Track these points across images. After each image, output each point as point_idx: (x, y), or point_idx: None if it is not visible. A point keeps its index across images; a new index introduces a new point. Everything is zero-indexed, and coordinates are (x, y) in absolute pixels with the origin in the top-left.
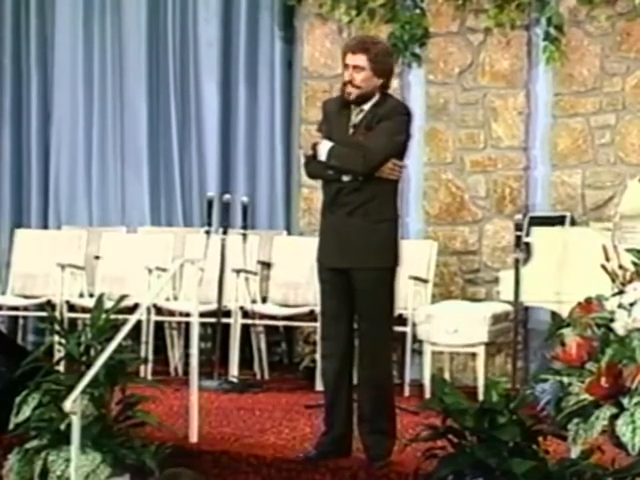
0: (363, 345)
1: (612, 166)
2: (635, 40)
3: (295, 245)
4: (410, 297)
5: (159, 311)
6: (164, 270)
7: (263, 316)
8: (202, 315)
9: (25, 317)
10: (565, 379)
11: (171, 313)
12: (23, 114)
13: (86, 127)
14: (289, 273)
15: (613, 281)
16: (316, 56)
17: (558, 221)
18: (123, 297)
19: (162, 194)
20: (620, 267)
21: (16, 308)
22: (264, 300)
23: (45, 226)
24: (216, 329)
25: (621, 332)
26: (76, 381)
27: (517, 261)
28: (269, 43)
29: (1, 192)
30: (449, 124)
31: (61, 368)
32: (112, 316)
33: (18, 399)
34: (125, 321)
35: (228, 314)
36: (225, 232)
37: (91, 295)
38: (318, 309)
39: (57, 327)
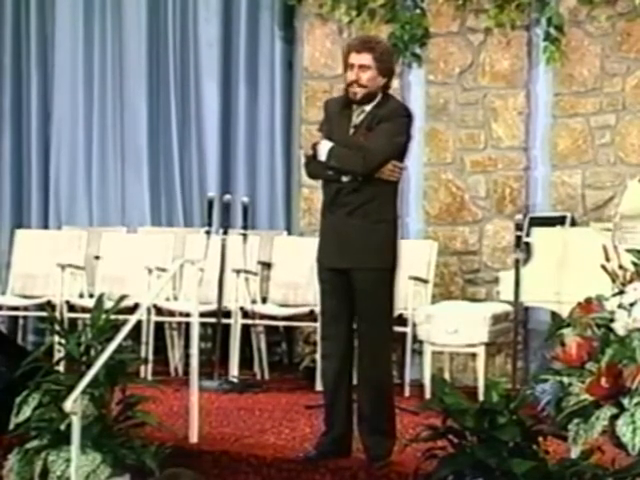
0: (363, 345)
1: (612, 166)
2: (635, 40)
3: (295, 245)
4: (410, 297)
5: (159, 311)
6: (164, 270)
7: (263, 316)
8: (202, 315)
9: (25, 317)
10: (565, 379)
11: (171, 313)
12: (23, 114)
13: (86, 127)
14: (289, 273)
15: (613, 281)
16: (316, 56)
17: (558, 221)
18: (123, 297)
19: (162, 194)
20: (620, 267)
21: (16, 308)
22: (264, 300)
23: (45, 226)
24: (216, 329)
25: (621, 332)
26: (76, 381)
27: (517, 261)
28: (269, 43)
29: (1, 192)
30: (449, 124)
31: (61, 368)
32: (112, 316)
33: (18, 399)
34: (125, 321)
35: (228, 314)
36: (225, 232)
37: (91, 295)
38: (318, 309)
39: (57, 327)
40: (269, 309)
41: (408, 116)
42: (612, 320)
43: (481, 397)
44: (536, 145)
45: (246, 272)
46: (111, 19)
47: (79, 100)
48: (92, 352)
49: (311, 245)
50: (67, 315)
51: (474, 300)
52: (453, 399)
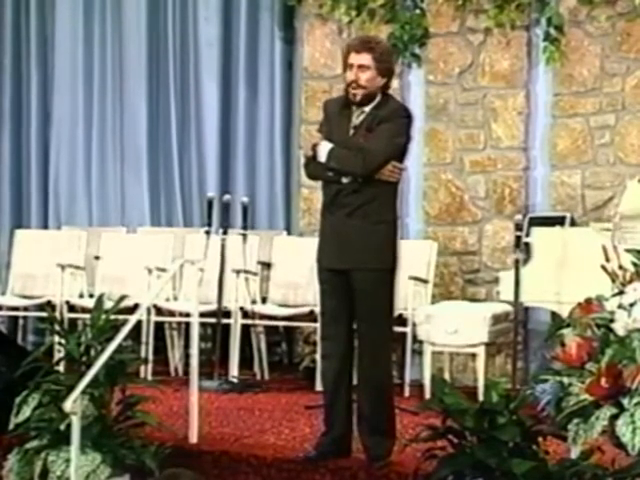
0: (363, 346)
1: (612, 166)
2: (635, 40)
3: (295, 245)
4: (410, 297)
5: (159, 311)
6: (164, 270)
7: (263, 316)
8: (202, 315)
9: (25, 317)
10: (565, 379)
11: (171, 313)
12: (23, 114)
13: (86, 127)
14: (289, 273)
15: (613, 281)
16: (316, 56)
17: (558, 221)
18: (123, 297)
19: (162, 194)
20: (620, 267)
21: (16, 308)
22: (264, 300)
23: (45, 226)
24: (216, 329)
25: (621, 332)
26: (76, 381)
27: (517, 261)
28: (269, 43)
29: (1, 192)
30: (449, 124)
31: (61, 368)
32: (112, 316)
33: (18, 399)
34: (125, 321)
35: (228, 314)
36: (225, 232)
37: (91, 295)
38: (318, 309)
39: (57, 327)
40: (269, 309)
41: (408, 117)
42: (612, 320)
43: (481, 397)
44: (536, 145)
45: (246, 272)
46: (111, 19)
47: (79, 100)
48: (92, 352)
49: (311, 245)
50: (67, 315)
51: (474, 300)
52: (453, 399)
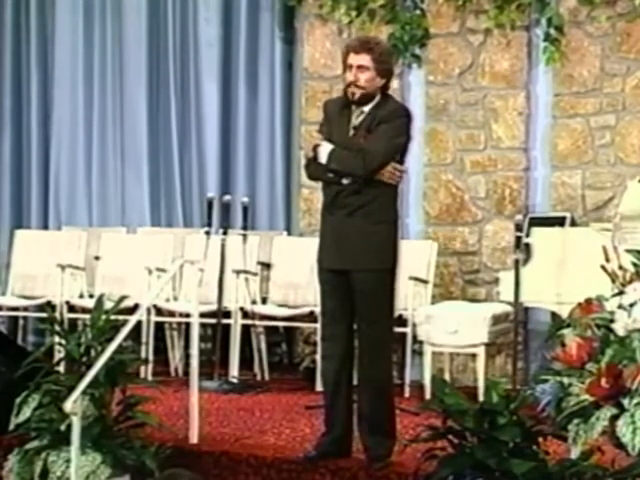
0: (363, 346)
1: (612, 167)
2: (635, 41)
3: (295, 246)
4: (410, 298)
5: (159, 312)
6: (164, 271)
7: (263, 317)
8: (202, 316)
9: (25, 318)
10: (565, 380)
11: (171, 314)
12: (23, 114)
13: (86, 127)
14: (289, 274)
15: (613, 282)
16: (316, 57)
17: (558, 222)
18: (123, 298)
19: (162, 194)
20: (620, 268)
21: (16, 309)
22: (264, 301)
23: (45, 227)
24: (216, 330)
25: (621, 333)
26: (76, 382)
27: (517, 262)
28: (269, 44)
29: (1, 193)
30: (449, 125)
31: (61, 369)
32: (112, 317)
33: (18, 400)
34: (125, 322)
35: (228, 315)
36: (225, 233)
37: (91, 296)
38: (318, 310)
39: (57, 328)
40: (269, 309)
41: (407, 116)
42: (612, 320)
43: (481, 397)
44: (536, 146)
45: (246, 272)
46: (111, 19)
47: (79, 100)
48: (92, 353)
49: (311, 245)
50: (67, 315)
51: (474, 300)
52: (453, 399)
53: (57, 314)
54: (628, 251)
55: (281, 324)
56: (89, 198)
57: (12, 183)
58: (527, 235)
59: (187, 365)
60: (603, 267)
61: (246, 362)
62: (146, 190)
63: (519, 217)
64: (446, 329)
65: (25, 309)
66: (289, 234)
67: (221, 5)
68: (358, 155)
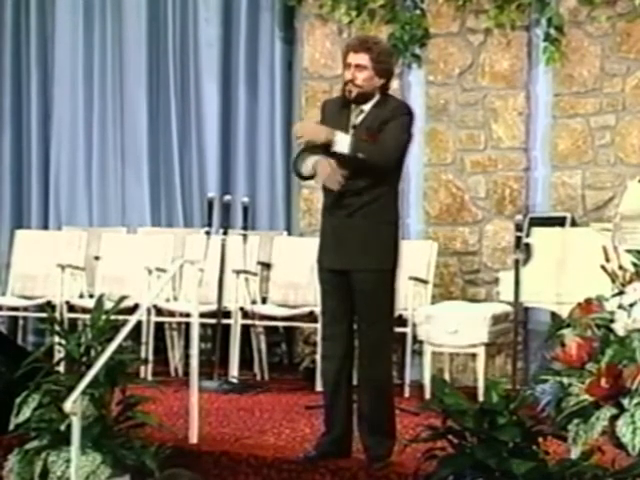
0: (363, 346)
1: (612, 167)
2: (635, 41)
3: (295, 246)
4: (410, 298)
5: (159, 312)
6: (164, 271)
7: (263, 317)
8: (202, 316)
9: (25, 318)
10: (565, 380)
11: (171, 314)
12: (23, 114)
13: (86, 127)
14: (289, 274)
15: (613, 282)
16: (316, 57)
17: (558, 222)
18: (123, 298)
19: (162, 195)
20: (620, 268)
21: (16, 309)
22: (264, 301)
23: (45, 227)
24: (216, 330)
25: (621, 333)
26: (76, 382)
27: (517, 262)
28: (269, 44)
29: (1, 193)
30: (449, 125)
31: (61, 369)
32: (112, 317)
33: (18, 400)
34: (125, 322)
35: (228, 315)
36: (225, 233)
37: (91, 296)
38: (318, 310)
39: (57, 328)
40: (269, 309)
41: (410, 114)
42: (612, 321)
43: (481, 397)
44: (536, 146)
45: (246, 272)
46: (111, 19)
47: (79, 100)
48: (92, 353)
49: (311, 245)
50: (67, 315)
51: (474, 300)
52: (453, 399)
53: (57, 314)
54: (628, 251)
55: (281, 324)
56: (89, 198)
57: (12, 183)
58: (527, 235)
59: (187, 365)
60: (603, 267)
61: (246, 362)
62: (146, 190)
63: (519, 217)
64: (446, 329)
65: (25, 309)
66: (289, 234)
67: (221, 5)
68: (380, 148)
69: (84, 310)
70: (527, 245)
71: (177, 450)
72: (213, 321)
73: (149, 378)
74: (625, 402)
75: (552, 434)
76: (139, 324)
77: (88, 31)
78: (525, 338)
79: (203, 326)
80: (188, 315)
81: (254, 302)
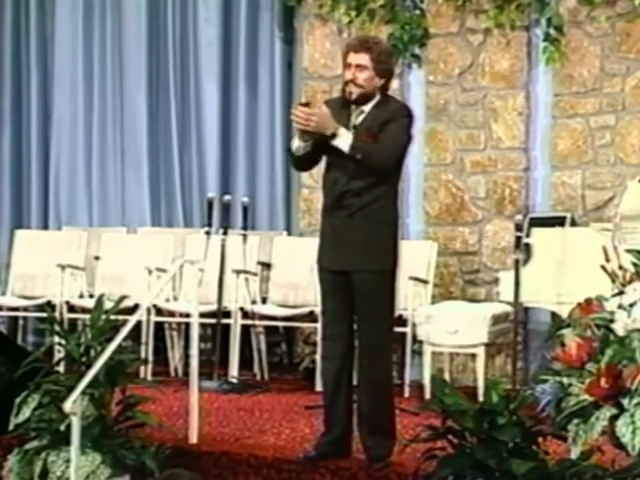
0: (363, 346)
1: (612, 167)
2: (635, 41)
3: (295, 246)
4: (410, 298)
5: (159, 312)
6: (164, 271)
7: (263, 317)
8: (202, 316)
9: (25, 318)
10: (565, 380)
11: (171, 314)
12: (23, 114)
13: (86, 127)
14: (289, 274)
15: (613, 282)
16: (316, 57)
17: (558, 222)
18: (123, 298)
19: (162, 195)
20: (620, 268)
21: (16, 309)
22: (264, 301)
23: (45, 227)
24: (216, 330)
25: (621, 333)
26: (76, 382)
27: (517, 262)
28: (269, 44)
29: (1, 193)
30: (449, 125)
31: (61, 369)
32: (112, 317)
33: (18, 400)
34: (125, 322)
35: (228, 315)
36: (225, 233)
37: (91, 296)
38: (318, 310)
39: (57, 328)
40: (269, 309)
41: (410, 116)
42: (612, 321)
43: (481, 397)
44: (536, 146)
45: (246, 272)
46: (111, 19)
47: (79, 100)
48: (92, 353)
49: (311, 245)
50: (67, 315)
51: (474, 301)
52: (453, 400)
53: (57, 314)
54: (628, 251)
55: (281, 324)
56: (89, 198)
57: (12, 183)
58: (527, 235)
59: (187, 365)
60: (603, 267)
61: (246, 362)
62: (146, 190)
63: (519, 217)
64: (446, 329)
65: (25, 309)
66: (289, 234)
67: (221, 5)
68: (380, 148)
69: (84, 310)
70: (527, 245)
71: (177, 450)
72: (213, 321)
73: (149, 378)
74: (625, 402)
75: (552, 434)
76: (139, 324)
77: (88, 31)
78: (525, 338)
79: (203, 326)
80: (188, 315)
81: (254, 302)
